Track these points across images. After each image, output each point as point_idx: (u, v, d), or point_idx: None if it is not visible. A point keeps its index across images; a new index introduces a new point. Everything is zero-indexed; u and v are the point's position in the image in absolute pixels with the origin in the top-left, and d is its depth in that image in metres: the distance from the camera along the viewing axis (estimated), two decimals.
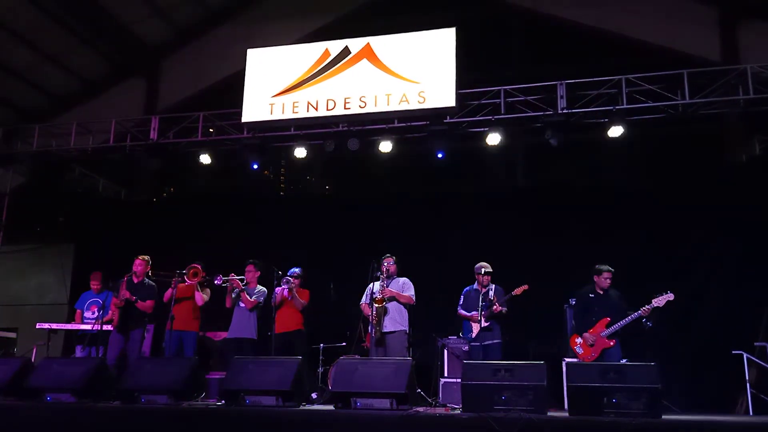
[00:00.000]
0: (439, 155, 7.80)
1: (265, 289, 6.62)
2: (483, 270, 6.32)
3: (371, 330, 5.87)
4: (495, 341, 6.23)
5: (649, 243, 7.67)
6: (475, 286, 6.40)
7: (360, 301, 6.20)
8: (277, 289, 6.51)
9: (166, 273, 6.53)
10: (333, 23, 10.01)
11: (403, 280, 6.12)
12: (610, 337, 5.79)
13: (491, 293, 6.27)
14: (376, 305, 5.83)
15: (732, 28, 8.76)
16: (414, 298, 6.03)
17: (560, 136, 7.42)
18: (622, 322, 5.75)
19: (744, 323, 6.87)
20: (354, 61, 7.94)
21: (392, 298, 5.95)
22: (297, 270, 6.66)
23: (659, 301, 5.68)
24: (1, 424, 4.62)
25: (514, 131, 7.90)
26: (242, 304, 6.50)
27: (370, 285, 6.02)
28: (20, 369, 5.29)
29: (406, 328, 5.99)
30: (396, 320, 5.91)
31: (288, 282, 6.48)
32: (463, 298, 6.48)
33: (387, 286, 5.96)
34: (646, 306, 5.68)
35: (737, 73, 7.24)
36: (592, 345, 5.82)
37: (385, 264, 6.01)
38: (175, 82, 10.71)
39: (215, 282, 6.53)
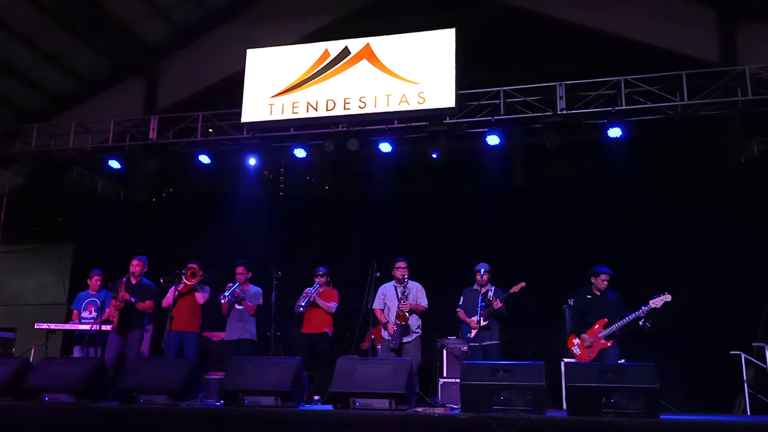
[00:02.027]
0: (434, 155, 7.80)
1: (260, 288, 6.60)
2: (482, 269, 6.35)
3: (387, 336, 5.98)
4: (493, 342, 6.26)
5: (648, 244, 7.68)
6: (474, 286, 6.42)
7: (371, 304, 6.12)
8: (306, 292, 6.46)
9: (169, 278, 6.51)
10: (333, 23, 10.01)
11: (416, 286, 6.20)
12: (607, 337, 5.80)
13: (490, 294, 6.29)
14: (399, 322, 5.92)
15: (730, 30, 8.77)
16: (427, 304, 6.17)
17: (559, 136, 7.43)
18: (620, 323, 5.76)
19: (742, 324, 6.88)
20: (354, 61, 7.94)
21: (411, 311, 6.03)
22: (322, 269, 6.61)
23: (656, 303, 5.69)
24: (0, 424, 4.62)
25: (513, 132, 7.91)
26: (239, 307, 6.49)
27: (382, 288, 6.09)
28: (18, 369, 5.29)
29: (420, 333, 6.13)
30: (413, 329, 6.05)
31: (311, 292, 6.44)
32: (463, 298, 6.51)
33: (406, 295, 6.01)
34: (644, 307, 5.70)
35: (736, 74, 7.25)
36: (589, 346, 5.83)
37: (400, 270, 6.08)
38: (175, 82, 10.70)
39: (222, 302, 6.46)
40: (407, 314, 5.94)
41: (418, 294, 6.14)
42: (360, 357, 6.46)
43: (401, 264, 6.13)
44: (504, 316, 6.32)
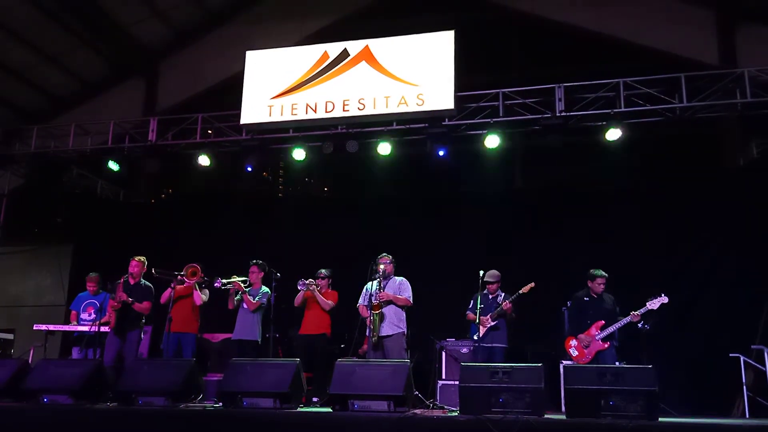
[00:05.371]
0: (441, 152, 7.78)
1: (268, 290, 6.59)
2: (491, 278, 6.40)
3: (369, 333, 5.86)
4: (500, 345, 6.30)
5: (647, 245, 7.68)
6: (485, 291, 6.46)
7: (357, 302, 6.17)
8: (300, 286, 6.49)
9: (165, 271, 6.50)
10: (332, 25, 10.02)
11: (400, 279, 6.08)
12: (604, 339, 5.82)
13: (500, 298, 6.40)
14: (374, 311, 5.77)
15: (730, 32, 8.78)
16: (411, 299, 5.98)
17: (558, 138, 7.44)
18: (617, 325, 5.80)
19: (741, 326, 6.88)
20: (353, 63, 7.95)
21: (389, 301, 5.90)
22: (323, 271, 6.63)
23: (653, 304, 5.72)
24: None
25: (512, 134, 7.92)
26: (245, 306, 6.48)
27: (367, 285, 6.01)
28: (17, 370, 5.29)
29: (404, 330, 5.95)
30: (393, 323, 5.86)
31: (304, 283, 6.44)
32: (472, 302, 6.55)
33: (384, 287, 5.92)
34: (641, 309, 5.72)
35: (735, 76, 7.25)
36: (587, 346, 5.85)
37: (382, 265, 5.97)
38: (174, 84, 10.71)
39: (215, 285, 6.50)
40: (382, 303, 5.81)
41: (400, 287, 5.99)
42: (359, 359, 6.47)
43: (384, 260, 6.03)
44: (513, 318, 6.33)
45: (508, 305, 6.23)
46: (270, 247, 8.25)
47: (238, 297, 6.47)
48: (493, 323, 6.30)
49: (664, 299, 5.70)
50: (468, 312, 6.53)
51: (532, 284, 6.22)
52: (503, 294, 6.42)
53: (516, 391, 4.27)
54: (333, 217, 8.95)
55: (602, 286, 5.96)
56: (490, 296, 6.43)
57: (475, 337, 6.31)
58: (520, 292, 6.26)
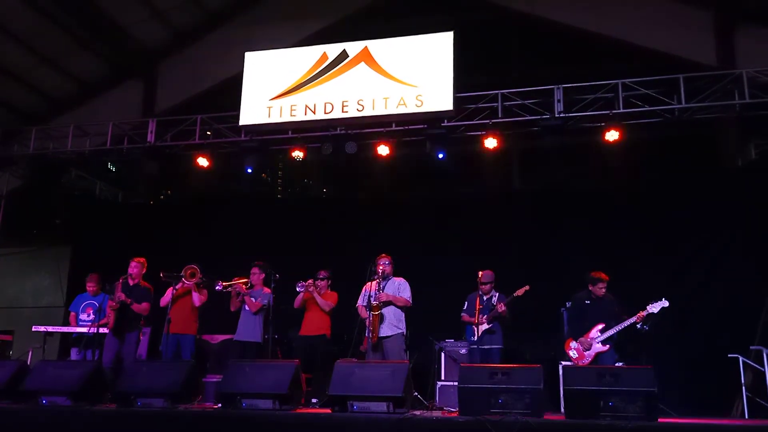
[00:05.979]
0: (440, 155, 7.79)
1: (271, 292, 6.56)
2: (486, 279, 6.40)
3: (368, 334, 5.85)
4: (496, 346, 6.30)
5: (646, 246, 7.70)
6: (479, 292, 6.45)
7: (356, 303, 6.16)
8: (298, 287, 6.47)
9: (168, 274, 6.48)
10: (331, 26, 10.02)
11: (399, 280, 6.06)
12: (604, 342, 5.82)
13: (494, 299, 6.39)
14: (373, 312, 5.76)
15: (728, 33, 8.78)
16: (410, 299, 5.97)
17: (557, 139, 7.45)
18: (617, 327, 5.80)
19: (740, 326, 6.89)
20: (352, 64, 7.96)
21: (388, 302, 5.89)
22: (323, 272, 6.62)
23: (654, 308, 5.73)
24: None
25: (511, 135, 7.92)
26: (247, 308, 6.47)
27: (366, 285, 6.01)
28: (16, 372, 5.29)
29: (404, 331, 5.95)
30: (393, 324, 5.85)
31: (303, 285, 6.42)
32: (467, 303, 6.54)
33: (383, 288, 5.90)
34: (641, 312, 5.72)
35: (733, 77, 7.26)
36: (587, 349, 5.85)
37: (381, 265, 5.96)
38: (173, 85, 10.70)
39: (216, 288, 6.47)
40: (381, 304, 5.78)
41: (399, 288, 5.97)
42: (358, 360, 6.46)
43: (383, 260, 6.01)
44: (508, 320, 6.32)
45: (503, 308, 6.23)
46: (269, 248, 8.25)
47: (240, 299, 6.46)
48: (488, 326, 6.30)
49: (665, 303, 5.71)
50: (463, 314, 6.52)
51: (527, 287, 6.24)
52: (497, 294, 6.43)
53: (515, 392, 4.27)
54: (332, 218, 8.95)
55: (603, 291, 5.97)
56: (485, 297, 6.43)
57: (473, 339, 6.31)
58: (515, 294, 6.26)
